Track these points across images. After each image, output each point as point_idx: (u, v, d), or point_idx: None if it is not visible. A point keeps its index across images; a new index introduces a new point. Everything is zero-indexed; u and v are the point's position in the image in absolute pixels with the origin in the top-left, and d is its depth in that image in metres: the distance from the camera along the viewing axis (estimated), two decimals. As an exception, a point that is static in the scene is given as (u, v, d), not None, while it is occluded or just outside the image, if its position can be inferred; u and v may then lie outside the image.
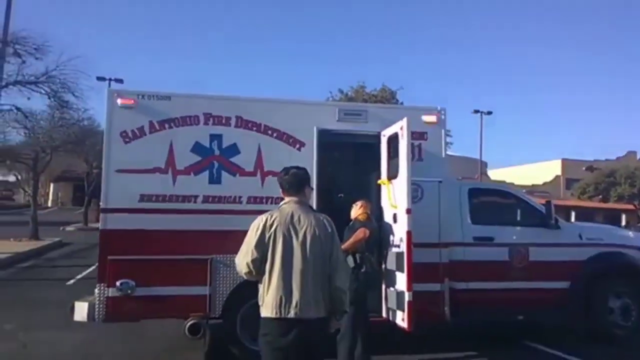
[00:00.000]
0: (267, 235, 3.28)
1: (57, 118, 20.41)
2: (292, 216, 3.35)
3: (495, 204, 7.24)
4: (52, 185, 49.33)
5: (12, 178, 36.35)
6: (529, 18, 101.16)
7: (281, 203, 3.53)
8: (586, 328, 6.86)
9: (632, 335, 6.71)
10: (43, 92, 17.24)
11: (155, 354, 6.32)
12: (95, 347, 6.44)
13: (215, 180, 5.82)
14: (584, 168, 47.36)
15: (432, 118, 6.38)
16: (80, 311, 5.55)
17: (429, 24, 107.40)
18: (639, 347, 6.59)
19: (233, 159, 5.88)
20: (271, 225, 3.31)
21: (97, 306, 5.45)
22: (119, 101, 5.68)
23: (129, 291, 5.43)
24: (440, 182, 6.29)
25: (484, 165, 43.97)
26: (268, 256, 3.27)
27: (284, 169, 3.62)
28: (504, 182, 41.64)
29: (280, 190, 3.57)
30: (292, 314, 3.19)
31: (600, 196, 40.01)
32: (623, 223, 42.51)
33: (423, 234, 5.79)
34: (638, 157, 49.11)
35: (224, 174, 5.85)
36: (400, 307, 5.49)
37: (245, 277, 3.40)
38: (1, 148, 21.36)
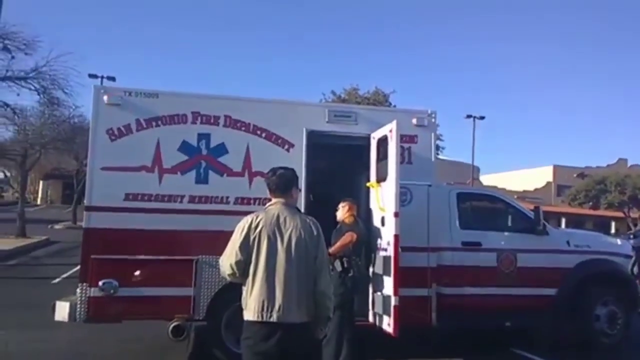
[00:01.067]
0: (251, 237, 3.23)
1: (47, 115, 20.23)
2: (277, 218, 3.29)
3: (484, 208, 7.23)
4: (41, 183, 48.87)
5: (0, 175, 36.02)
6: (523, 23, 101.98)
7: (267, 204, 3.47)
8: (573, 335, 6.85)
9: (618, 343, 6.70)
10: (32, 88, 17.12)
11: (138, 355, 6.23)
12: (78, 347, 6.33)
13: (202, 180, 5.75)
14: (575, 175, 47.71)
15: (422, 121, 6.35)
16: (61, 311, 5.45)
17: (423, 30, 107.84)
18: (624, 355, 6.58)
19: (221, 159, 5.81)
20: (256, 227, 3.25)
21: (78, 306, 5.36)
22: (105, 98, 5.60)
23: (112, 291, 5.34)
24: (429, 185, 6.27)
25: (476, 171, 44.11)
26: (252, 258, 3.21)
27: (271, 169, 3.56)
28: (495, 187, 41.89)
29: (268, 191, 3.52)
30: (274, 318, 3.13)
31: (591, 203, 40.25)
32: (612, 230, 42.93)
33: (411, 237, 5.77)
34: (629, 165, 49.45)
35: (212, 174, 5.77)
36: (386, 311, 5.44)
37: (228, 278, 3.34)
38: (-11, 144, 21.16)
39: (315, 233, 3.35)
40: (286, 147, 5.98)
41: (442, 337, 6.72)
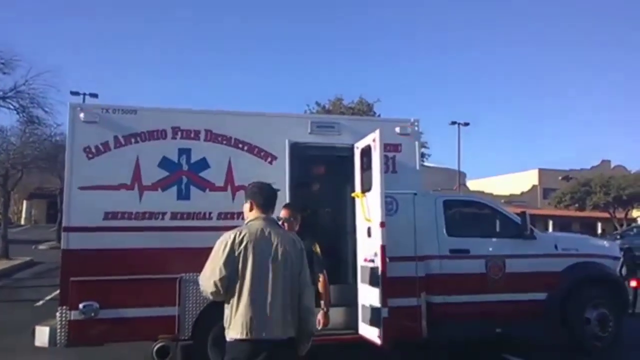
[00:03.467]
0: (236, 253, 3.13)
1: (27, 134, 19.91)
2: (262, 232, 3.21)
3: (471, 215, 7.20)
4: (25, 203, 48.09)
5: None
6: (504, 30, 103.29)
7: (248, 220, 3.37)
8: (563, 339, 6.80)
9: (609, 346, 6.67)
10: (12, 107, 16.81)
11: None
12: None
13: (183, 196, 5.65)
14: (560, 177, 48.10)
15: (405, 130, 6.32)
16: (41, 336, 5.28)
17: (405, 35, 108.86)
18: (615, 358, 6.55)
19: (202, 174, 5.72)
20: (240, 242, 3.15)
21: (58, 330, 5.20)
22: (81, 115, 5.48)
23: (93, 314, 5.19)
24: (415, 194, 6.22)
25: (462, 176, 44.32)
26: (238, 274, 3.12)
27: (257, 183, 3.49)
28: (482, 192, 42.16)
29: (249, 205, 3.41)
30: (262, 335, 3.05)
31: (577, 205, 40.61)
32: (599, 231, 43.35)
33: (398, 247, 5.71)
34: (612, 166, 50.11)
35: (193, 190, 5.68)
36: (375, 323, 5.35)
37: (211, 297, 3.23)
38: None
39: (299, 247, 3.30)
40: (269, 159, 5.91)
41: (433, 346, 6.63)
